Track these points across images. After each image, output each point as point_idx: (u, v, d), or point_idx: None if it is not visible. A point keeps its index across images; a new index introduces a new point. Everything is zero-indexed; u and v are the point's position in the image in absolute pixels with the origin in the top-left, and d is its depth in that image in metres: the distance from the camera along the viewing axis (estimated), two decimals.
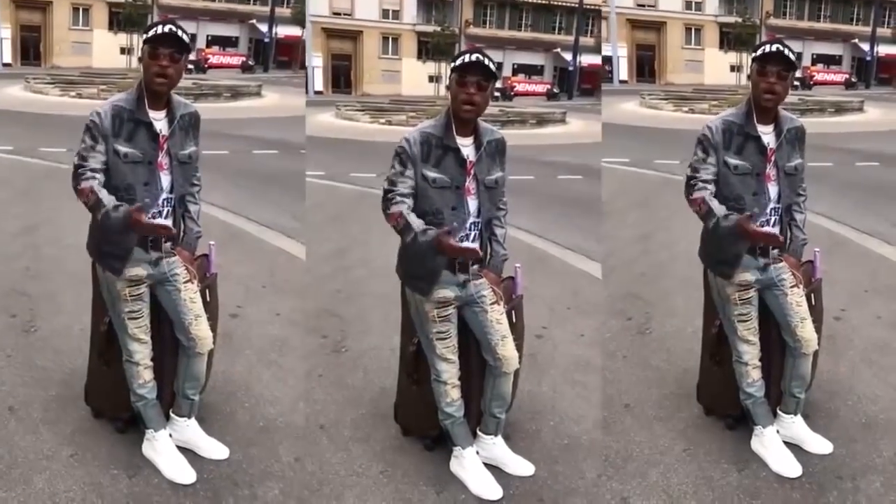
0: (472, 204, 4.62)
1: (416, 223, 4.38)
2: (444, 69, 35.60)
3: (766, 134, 4.75)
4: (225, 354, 5.79)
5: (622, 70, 36.80)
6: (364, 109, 27.13)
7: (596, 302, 7.27)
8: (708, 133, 4.73)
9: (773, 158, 4.75)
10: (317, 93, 34.44)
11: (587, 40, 37.27)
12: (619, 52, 36.64)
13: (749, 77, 4.80)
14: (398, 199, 4.46)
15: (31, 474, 4.65)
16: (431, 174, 4.51)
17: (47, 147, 13.94)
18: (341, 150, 18.01)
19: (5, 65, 33.93)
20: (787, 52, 4.63)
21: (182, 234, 4.77)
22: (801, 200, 4.96)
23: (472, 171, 4.59)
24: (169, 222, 4.65)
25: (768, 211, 4.78)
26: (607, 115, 23.01)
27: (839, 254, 8.50)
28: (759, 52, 4.68)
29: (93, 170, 4.38)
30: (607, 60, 36.24)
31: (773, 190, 4.78)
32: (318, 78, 35.71)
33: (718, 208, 4.55)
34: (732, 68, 36.86)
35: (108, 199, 4.30)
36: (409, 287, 4.74)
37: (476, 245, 4.65)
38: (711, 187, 4.65)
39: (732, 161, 4.70)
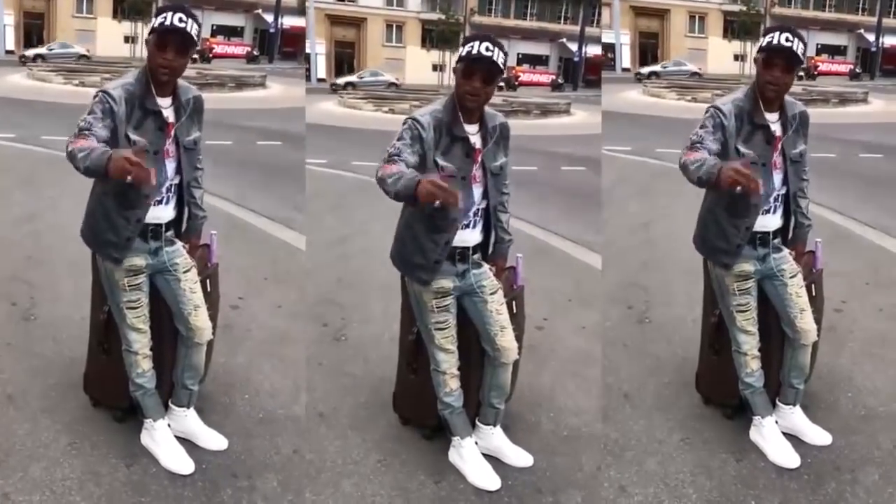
0: (477, 192, 4.60)
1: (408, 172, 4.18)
2: (449, 58, 35.71)
3: (773, 123, 4.70)
4: (225, 345, 5.79)
5: (625, 58, 36.63)
6: (367, 97, 27.07)
7: (598, 294, 7.25)
8: (721, 116, 4.59)
9: (780, 147, 4.71)
10: (320, 80, 34.33)
11: (593, 30, 37.07)
12: (622, 39, 36.45)
13: (755, 62, 4.71)
14: (400, 161, 4.28)
15: (29, 462, 4.66)
16: (441, 161, 4.46)
17: (49, 135, 13.88)
18: (343, 138, 17.97)
19: (8, 52, 33.82)
20: (794, 45, 4.53)
21: (187, 219, 4.76)
22: (804, 186, 4.90)
23: (480, 159, 4.57)
24: (171, 207, 4.64)
25: (772, 199, 4.77)
26: (608, 103, 22.92)
27: (841, 245, 8.48)
28: (766, 41, 4.58)
29: (97, 137, 4.19)
30: (609, 48, 36.05)
31: (777, 178, 4.75)
32: (322, 65, 35.57)
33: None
34: (736, 57, 36.68)
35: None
36: (408, 276, 4.72)
37: (478, 230, 4.65)
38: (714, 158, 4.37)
39: (742, 149, 4.61)
